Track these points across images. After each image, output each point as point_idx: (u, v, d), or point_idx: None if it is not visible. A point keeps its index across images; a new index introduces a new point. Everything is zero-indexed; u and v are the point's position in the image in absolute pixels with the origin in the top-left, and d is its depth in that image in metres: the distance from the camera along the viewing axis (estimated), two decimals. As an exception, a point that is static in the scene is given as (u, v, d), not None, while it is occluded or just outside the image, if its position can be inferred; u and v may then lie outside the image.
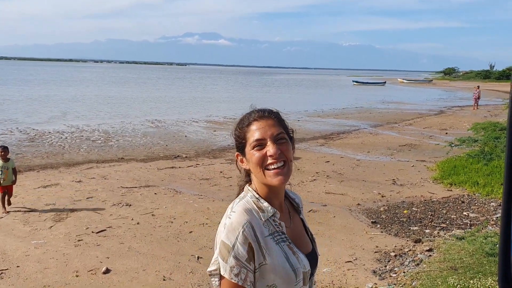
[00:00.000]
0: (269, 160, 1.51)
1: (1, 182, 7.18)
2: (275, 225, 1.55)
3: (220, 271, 1.48)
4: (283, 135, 1.57)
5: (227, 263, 1.45)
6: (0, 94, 32.10)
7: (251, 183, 1.62)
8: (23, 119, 19.40)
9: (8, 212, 7.15)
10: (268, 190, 1.56)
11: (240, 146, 1.60)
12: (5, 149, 7.36)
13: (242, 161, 1.61)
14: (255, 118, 1.59)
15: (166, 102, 31.63)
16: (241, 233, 1.45)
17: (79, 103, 27.95)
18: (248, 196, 1.58)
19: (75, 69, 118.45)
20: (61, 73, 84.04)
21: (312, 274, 1.64)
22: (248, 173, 1.63)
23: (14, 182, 7.39)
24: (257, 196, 1.57)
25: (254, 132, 1.56)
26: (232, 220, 1.49)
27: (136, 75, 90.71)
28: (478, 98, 30.20)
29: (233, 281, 1.44)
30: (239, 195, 1.62)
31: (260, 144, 1.53)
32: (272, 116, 1.60)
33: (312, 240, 1.73)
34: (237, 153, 1.62)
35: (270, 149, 1.51)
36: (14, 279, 4.95)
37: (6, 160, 7.26)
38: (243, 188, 1.64)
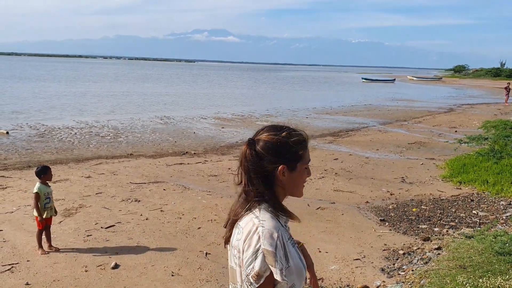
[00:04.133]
0: (305, 181, 1.79)
1: (49, 213, 5.60)
2: (288, 229, 1.76)
3: (254, 274, 1.60)
4: None
5: (276, 267, 1.57)
6: (44, 90, 32.84)
7: (261, 195, 1.71)
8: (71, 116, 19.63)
9: (47, 252, 5.55)
10: (283, 199, 1.76)
11: (294, 161, 1.73)
12: (50, 170, 5.81)
13: (284, 174, 1.71)
14: (308, 141, 1.81)
15: (207, 98, 32.37)
16: (278, 238, 1.60)
17: (121, 99, 28.37)
18: (264, 205, 1.70)
19: (91, 66, 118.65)
20: (81, 70, 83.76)
21: None
22: (266, 182, 1.72)
23: (55, 212, 5.86)
24: (276, 204, 1.72)
25: (309, 155, 1.79)
26: (268, 228, 1.62)
27: (154, 72, 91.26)
28: (509, 93, 32.02)
29: (284, 282, 1.59)
30: (251, 205, 1.72)
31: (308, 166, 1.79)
32: None
33: None
34: (284, 165, 1.70)
35: (309, 170, 1.79)
36: (24, 273, 5.00)
37: (48, 184, 5.72)
38: (252, 197, 1.73)
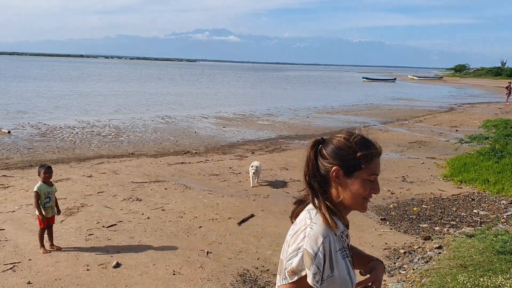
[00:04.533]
0: (370, 196, 1.69)
1: (49, 212, 5.61)
2: (343, 240, 1.72)
3: (290, 269, 1.61)
4: None
5: (310, 270, 1.58)
6: (49, 90, 32.91)
7: (319, 197, 1.69)
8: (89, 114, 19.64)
9: (49, 251, 5.58)
10: (343, 208, 1.71)
11: (354, 166, 1.66)
12: (49, 169, 5.84)
13: (338, 177, 1.67)
14: (378, 153, 1.72)
15: (209, 97, 32.32)
16: (322, 244, 1.59)
17: (123, 99, 28.52)
18: (323, 209, 1.67)
19: (93, 65, 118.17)
20: (84, 69, 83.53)
21: None
22: (322, 184, 1.70)
23: (58, 211, 5.87)
24: (333, 210, 1.68)
25: (378, 166, 1.70)
26: (315, 231, 1.61)
27: (156, 71, 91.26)
28: (510, 92, 32.26)
29: (314, 286, 1.58)
30: (310, 206, 1.72)
31: (375, 179, 1.69)
32: None
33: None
34: (338, 167, 1.66)
35: (378, 187, 1.70)
36: (26, 272, 5.01)
37: (50, 184, 5.76)
38: (309, 197, 1.73)
